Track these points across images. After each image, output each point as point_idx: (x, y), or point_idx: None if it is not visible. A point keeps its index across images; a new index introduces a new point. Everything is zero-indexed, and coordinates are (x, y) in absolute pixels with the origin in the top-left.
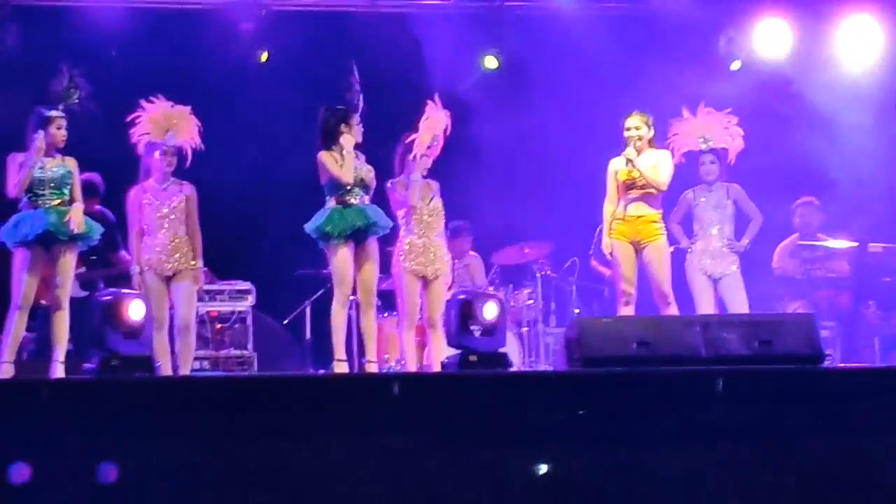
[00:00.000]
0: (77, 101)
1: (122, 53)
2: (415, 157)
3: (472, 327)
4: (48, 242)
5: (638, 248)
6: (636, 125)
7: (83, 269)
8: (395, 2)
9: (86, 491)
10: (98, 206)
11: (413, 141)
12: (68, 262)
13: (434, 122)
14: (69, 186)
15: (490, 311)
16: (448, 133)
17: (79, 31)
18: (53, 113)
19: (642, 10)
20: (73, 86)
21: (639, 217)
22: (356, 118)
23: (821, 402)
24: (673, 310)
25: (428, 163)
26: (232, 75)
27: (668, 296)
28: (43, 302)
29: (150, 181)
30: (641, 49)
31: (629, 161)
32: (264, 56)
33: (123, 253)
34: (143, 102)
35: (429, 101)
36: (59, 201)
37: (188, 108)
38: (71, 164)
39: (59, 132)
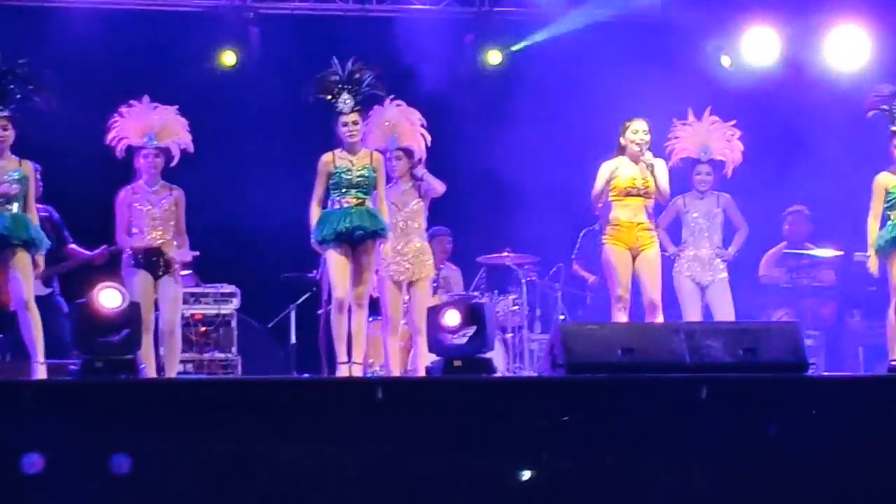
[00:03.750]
0: (21, 98)
1: (107, 55)
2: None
3: (440, 335)
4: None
5: (633, 255)
6: (645, 130)
7: (41, 269)
8: (385, 6)
9: (72, 492)
10: (40, 207)
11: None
12: (24, 265)
13: (373, 128)
14: (22, 191)
15: (451, 318)
16: (424, 132)
17: (64, 31)
18: None
19: (630, 17)
20: (8, 83)
21: (638, 224)
22: (343, 118)
23: (805, 410)
24: (659, 318)
25: (399, 165)
26: (219, 78)
27: (657, 303)
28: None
29: (139, 183)
30: (630, 57)
31: (650, 166)
32: (227, 57)
33: (73, 246)
34: (122, 108)
35: (375, 106)
36: (13, 206)
37: (174, 108)
38: (25, 168)
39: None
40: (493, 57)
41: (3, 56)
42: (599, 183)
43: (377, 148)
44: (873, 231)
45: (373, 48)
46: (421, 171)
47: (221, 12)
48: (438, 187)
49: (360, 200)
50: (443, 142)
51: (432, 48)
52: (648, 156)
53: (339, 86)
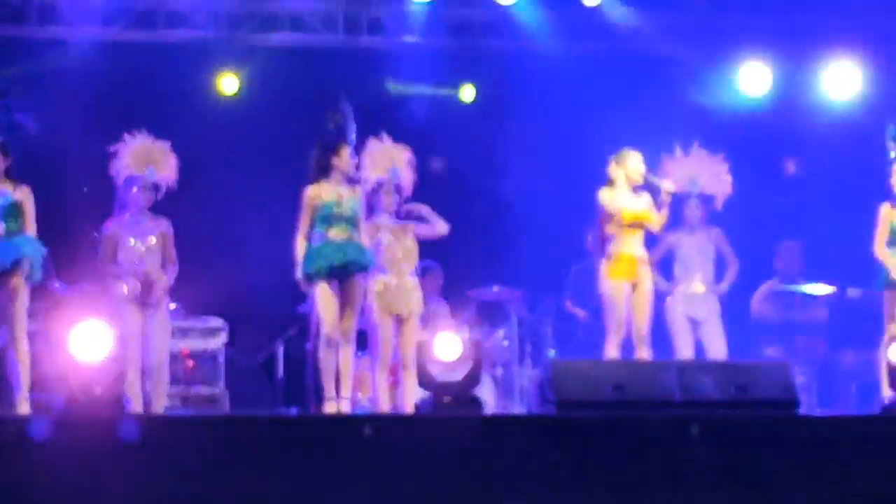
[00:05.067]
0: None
1: (97, 86)
2: (376, 196)
3: (431, 368)
4: None
5: (631, 289)
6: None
7: None
8: (372, 38)
9: None
10: None
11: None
12: (17, 295)
13: (377, 159)
14: (12, 218)
15: (445, 350)
16: (413, 168)
17: (56, 63)
18: None
19: (621, 50)
20: None
21: (638, 258)
22: (347, 150)
23: (796, 448)
24: (648, 353)
25: (390, 200)
26: (206, 110)
27: (647, 339)
28: None
29: (126, 215)
30: (621, 90)
31: (670, 194)
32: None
33: (57, 284)
34: (126, 136)
35: (371, 138)
36: None
37: (168, 144)
38: (20, 193)
39: None
40: (467, 93)
41: None
42: (612, 209)
43: (379, 179)
44: (887, 258)
45: (362, 80)
46: (420, 210)
47: (212, 43)
48: (441, 228)
49: (348, 234)
50: (431, 176)
51: (421, 80)
52: (668, 184)
53: (348, 118)
